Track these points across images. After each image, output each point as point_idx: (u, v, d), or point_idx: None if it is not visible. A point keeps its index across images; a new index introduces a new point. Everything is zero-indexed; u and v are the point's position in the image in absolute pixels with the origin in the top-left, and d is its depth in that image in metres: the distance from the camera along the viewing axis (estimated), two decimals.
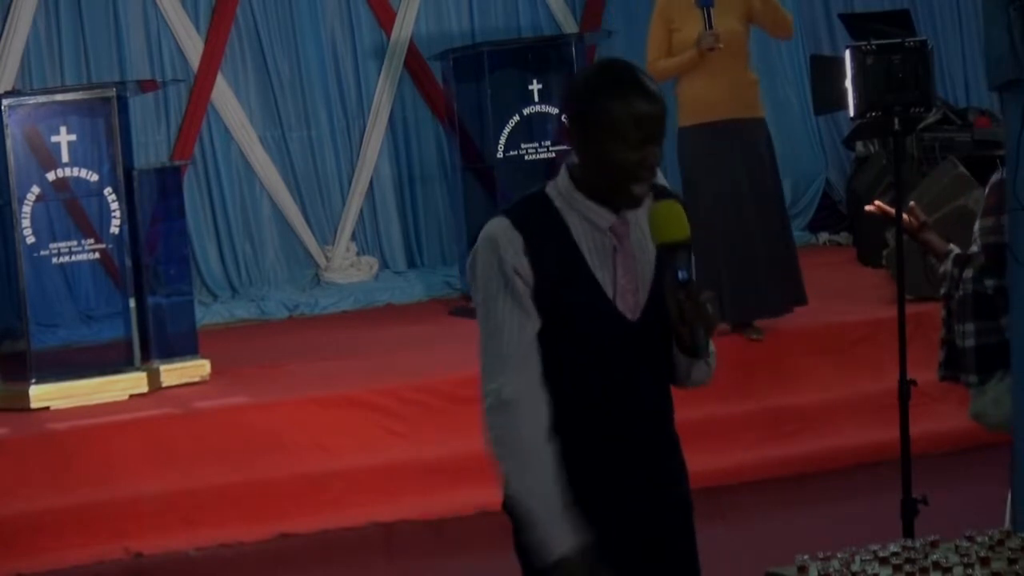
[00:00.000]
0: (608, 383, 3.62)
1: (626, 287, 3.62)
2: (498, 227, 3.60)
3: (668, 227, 3.56)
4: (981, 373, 5.28)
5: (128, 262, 8.37)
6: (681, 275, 3.52)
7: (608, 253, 3.61)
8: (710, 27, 8.26)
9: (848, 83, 6.14)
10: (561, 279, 3.58)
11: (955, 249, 5.35)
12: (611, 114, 3.52)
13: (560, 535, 3.54)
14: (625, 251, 3.62)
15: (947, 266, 5.32)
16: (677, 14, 8.37)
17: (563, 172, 3.66)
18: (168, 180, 8.65)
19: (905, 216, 5.48)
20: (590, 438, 3.63)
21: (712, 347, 3.65)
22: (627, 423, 3.64)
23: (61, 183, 8.25)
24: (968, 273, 5.25)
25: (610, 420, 3.63)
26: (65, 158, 8.24)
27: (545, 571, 3.56)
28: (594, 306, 3.60)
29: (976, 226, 5.28)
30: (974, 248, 5.26)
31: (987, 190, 5.24)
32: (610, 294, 3.61)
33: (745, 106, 8.43)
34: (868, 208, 5.81)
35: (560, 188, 3.64)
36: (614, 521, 3.64)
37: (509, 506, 3.62)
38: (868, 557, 3.77)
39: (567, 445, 3.60)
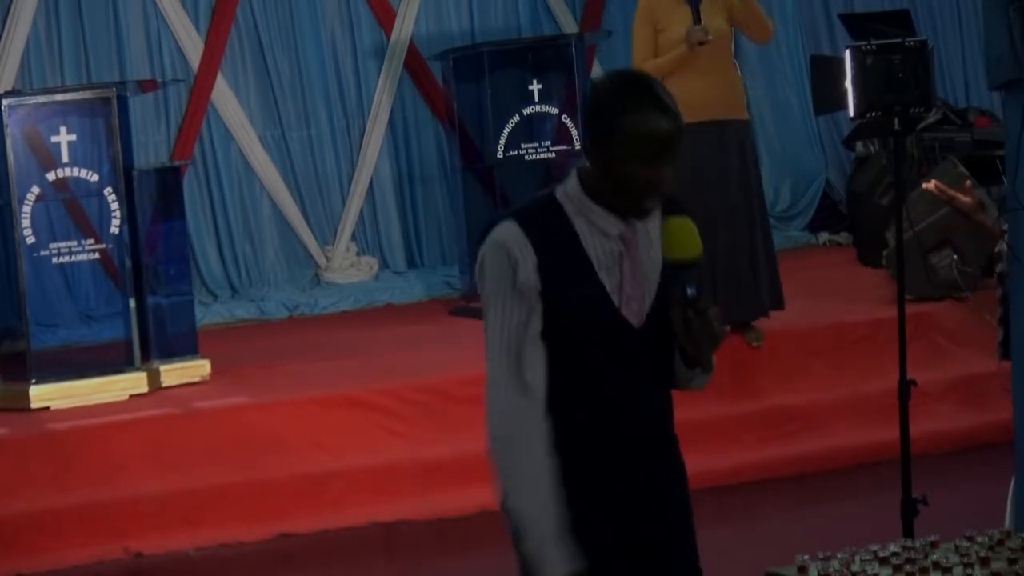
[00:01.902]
0: (612, 388, 3.61)
1: (632, 295, 3.61)
2: (507, 231, 3.57)
3: (680, 245, 3.56)
4: None
5: (128, 262, 8.37)
6: (690, 292, 3.53)
7: (616, 260, 3.59)
8: (698, 22, 8.23)
9: (848, 83, 6.14)
10: (568, 285, 3.56)
11: None
12: (626, 128, 3.49)
13: (551, 559, 3.51)
14: (633, 258, 3.60)
15: (1003, 246, 5.31)
16: (661, 15, 8.31)
17: (573, 176, 3.63)
18: (168, 180, 8.65)
19: (962, 196, 5.44)
20: (592, 442, 3.61)
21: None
22: (630, 427, 3.63)
23: (61, 183, 8.24)
24: None
25: (613, 424, 3.62)
26: (65, 158, 8.23)
27: None
28: (600, 313, 3.59)
29: None
30: None
31: None
32: (616, 301, 3.59)
33: (730, 107, 8.38)
34: (925, 186, 5.77)
35: (570, 192, 3.61)
36: (614, 524, 3.63)
37: (505, 516, 3.59)
38: (868, 557, 3.77)
39: (569, 449, 3.58)
